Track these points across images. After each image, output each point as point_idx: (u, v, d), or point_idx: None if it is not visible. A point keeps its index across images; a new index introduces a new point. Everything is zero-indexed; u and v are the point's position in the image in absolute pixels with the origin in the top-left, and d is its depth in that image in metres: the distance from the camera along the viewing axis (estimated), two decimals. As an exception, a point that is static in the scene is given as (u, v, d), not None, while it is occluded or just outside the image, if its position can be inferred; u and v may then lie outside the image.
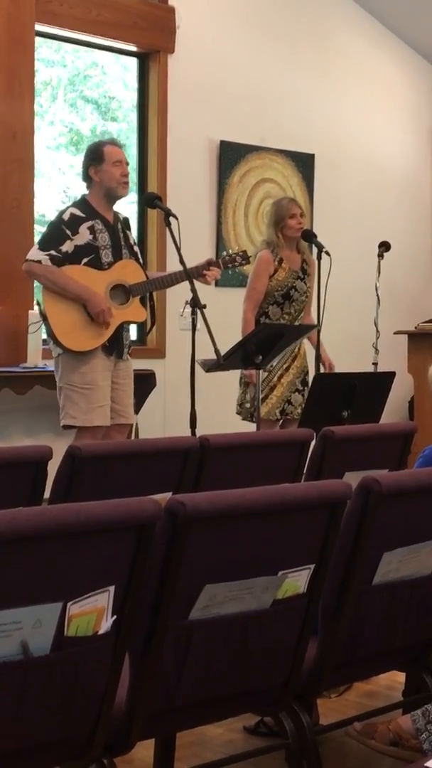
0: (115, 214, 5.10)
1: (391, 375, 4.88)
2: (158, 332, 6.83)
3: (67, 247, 4.88)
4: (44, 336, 5.46)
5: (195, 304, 4.70)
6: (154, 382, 6.20)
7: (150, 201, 5.17)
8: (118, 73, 7.10)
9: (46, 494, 2.95)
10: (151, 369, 6.21)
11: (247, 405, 5.62)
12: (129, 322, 5.07)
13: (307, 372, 5.71)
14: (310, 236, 5.63)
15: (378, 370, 6.08)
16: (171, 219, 4.73)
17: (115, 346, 4.99)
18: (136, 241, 5.30)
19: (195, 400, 4.77)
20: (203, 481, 3.13)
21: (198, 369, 4.79)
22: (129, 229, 5.19)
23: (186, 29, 6.94)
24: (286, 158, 7.56)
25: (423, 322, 7.04)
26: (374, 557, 2.43)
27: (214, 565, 2.12)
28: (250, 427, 5.40)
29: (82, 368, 4.90)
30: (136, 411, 5.84)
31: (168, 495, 2.70)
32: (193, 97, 7.02)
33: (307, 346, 5.79)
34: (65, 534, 1.85)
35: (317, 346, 5.54)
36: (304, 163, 7.67)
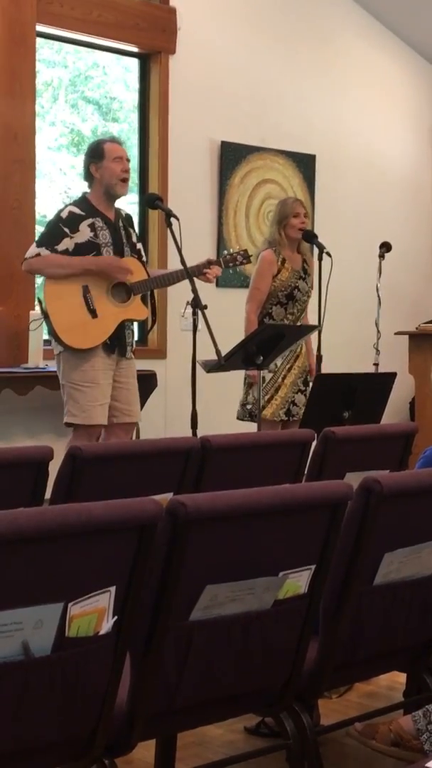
0: (117, 212, 5.10)
1: (392, 376, 4.88)
2: (159, 333, 6.83)
3: (67, 245, 4.88)
4: (45, 336, 5.46)
5: (196, 304, 4.69)
6: (155, 382, 6.20)
7: (151, 202, 5.17)
8: (119, 74, 7.10)
9: (47, 495, 2.95)
10: (152, 369, 6.21)
11: (249, 406, 5.61)
12: (130, 320, 5.07)
13: (308, 372, 5.71)
14: (311, 237, 5.63)
15: (379, 371, 6.08)
16: (172, 220, 4.74)
17: (116, 344, 4.98)
18: (139, 238, 5.29)
19: (196, 401, 4.77)
20: (204, 481, 3.13)
21: (199, 369, 4.79)
22: (132, 227, 5.18)
23: (187, 30, 6.94)
24: (287, 159, 7.56)
25: (424, 323, 7.04)
26: (375, 558, 2.44)
27: (215, 565, 2.12)
28: (251, 428, 5.40)
29: (83, 366, 4.90)
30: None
31: (169, 495, 2.70)
32: (194, 97, 7.03)
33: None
34: (66, 534, 1.85)
35: (307, 352, 5.59)
36: (305, 164, 7.67)
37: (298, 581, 2.28)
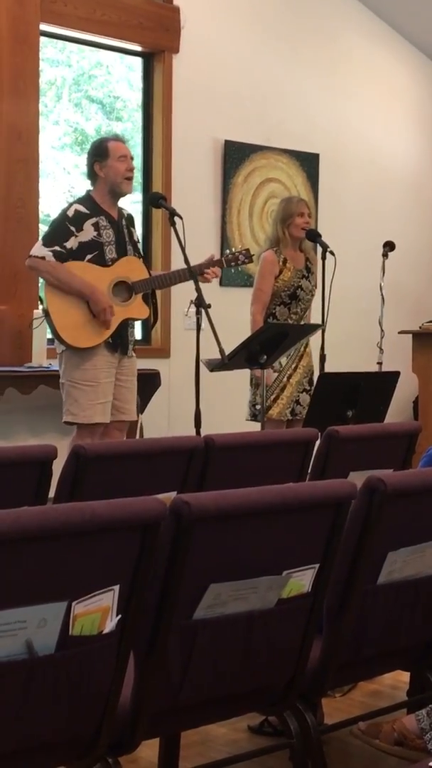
0: (120, 211, 5.10)
1: (395, 375, 4.88)
2: (163, 332, 6.84)
3: (72, 243, 4.88)
4: (49, 335, 5.47)
5: (200, 303, 4.69)
6: (159, 381, 6.21)
7: (155, 201, 5.18)
8: (122, 73, 7.11)
9: (51, 493, 2.95)
10: (155, 368, 6.21)
11: (258, 406, 5.61)
12: (131, 319, 5.06)
13: (313, 371, 5.71)
14: (314, 236, 5.63)
15: (382, 370, 6.08)
16: (176, 219, 4.74)
17: (119, 343, 4.98)
18: (139, 239, 5.30)
19: (200, 400, 4.77)
20: (208, 480, 3.13)
21: (203, 368, 4.79)
22: (133, 227, 5.19)
23: (191, 29, 6.94)
24: (291, 158, 7.56)
25: (427, 322, 7.04)
26: (379, 557, 2.43)
27: (219, 564, 2.12)
28: (254, 427, 5.40)
29: (84, 365, 4.90)
30: (141, 410, 5.84)
31: (173, 494, 2.70)
32: (198, 96, 7.03)
33: (312, 346, 5.78)
34: (70, 533, 1.86)
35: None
36: (308, 163, 7.67)
37: (301, 580, 2.28)
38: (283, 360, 5.49)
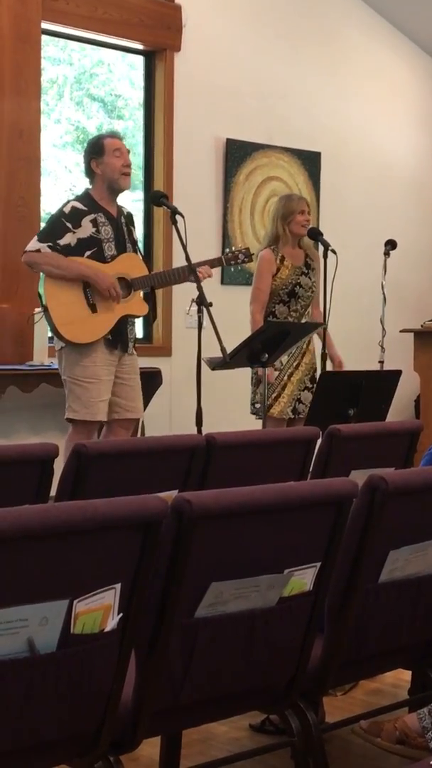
0: (119, 208, 5.11)
1: (397, 373, 4.88)
2: (164, 330, 6.84)
3: (69, 239, 4.88)
4: (50, 333, 5.46)
5: (201, 301, 4.69)
6: (161, 379, 6.21)
7: (156, 199, 5.18)
8: (124, 71, 7.10)
9: (53, 492, 2.96)
10: (157, 367, 6.21)
11: (258, 405, 5.60)
12: (131, 316, 5.06)
13: (315, 369, 5.70)
14: (316, 234, 5.63)
15: (384, 369, 6.08)
16: (177, 217, 4.74)
17: (118, 340, 4.98)
18: (138, 238, 5.29)
19: (201, 398, 4.77)
20: (209, 479, 3.12)
21: (204, 367, 4.79)
22: (133, 225, 5.19)
23: (192, 27, 6.94)
24: (293, 156, 7.56)
25: (429, 321, 7.04)
26: (380, 555, 2.43)
27: (220, 562, 2.12)
28: (256, 425, 5.40)
29: (84, 361, 4.90)
30: (143, 408, 5.83)
31: (174, 493, 2.70)
32: (200, 95, 7.03)
33: (315, 343, 5.77)
34: (71, 532, 1.86)
35: (325, 344, 5.56)
36: (310, 161, 7.66)
37: (303, 578, 2.28)
38: (284, 358, 5.49)
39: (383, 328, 6.23)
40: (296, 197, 5.83)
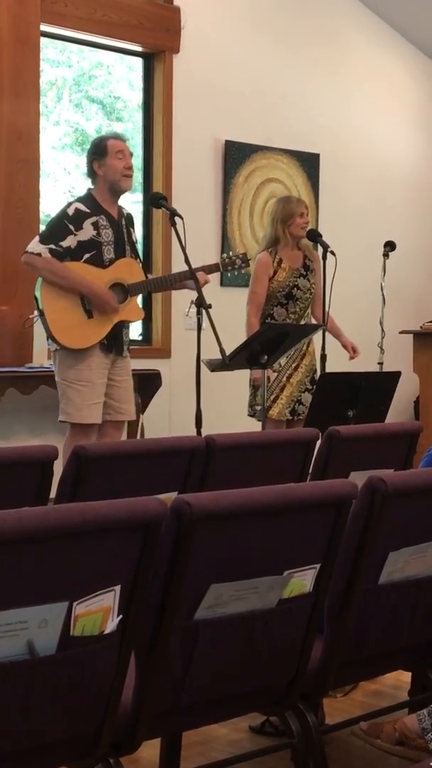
0: (120, 210, 5.11)
1: (396, 375, 4.88)
2: (164, 332, 6.84)
3: (70, 242, 4.88)
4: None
5: (200, 303, 4.70)
6: (160, 381, 6.21)
7: (155, 201, 5.18)
8: (123, 73, 7.11)
9: (52, 494, 2.96)
10: (156, 369, 6.21)
11: (257, 407, 5.60)
12: (126, 322, 5.07)
13: (315, 371, 5.70)
14: (315, 235, 5.64)
15: (383, 370, 6.08)
16: (176, 219, 4.74)
17: (113, 344, 4.99)
18: (137, 239, 5.30)
19: (200, 400, 4.77)
20: (209, 480, 3.12)
21: (203, 369, 4.79)
22: (133, 227, 5.19)
23: (191, 29, 6.94)
24: (292, 158, 7.56)
25: (428, 322, 7.04)
26: (380, 557, 2.43)
27: (220, 564, 2.12)
28: (255, 427, 5.40)
29: (78, 365, 4.91)
30: (142, 411, 5.84)
31: (173, 495, 2.70)
32: (199, 96, 7.03)
33: (315, 345, 5.77)
34: (71, 534, 1.86)
35: (337, 335, 5.61)
36: (309, 163, 7.67)
37: (303, 580, 2.28)
38: (282, 360, 5.49)
39: (382, 330, 6.24)
40: (295, 199, 5.83)
